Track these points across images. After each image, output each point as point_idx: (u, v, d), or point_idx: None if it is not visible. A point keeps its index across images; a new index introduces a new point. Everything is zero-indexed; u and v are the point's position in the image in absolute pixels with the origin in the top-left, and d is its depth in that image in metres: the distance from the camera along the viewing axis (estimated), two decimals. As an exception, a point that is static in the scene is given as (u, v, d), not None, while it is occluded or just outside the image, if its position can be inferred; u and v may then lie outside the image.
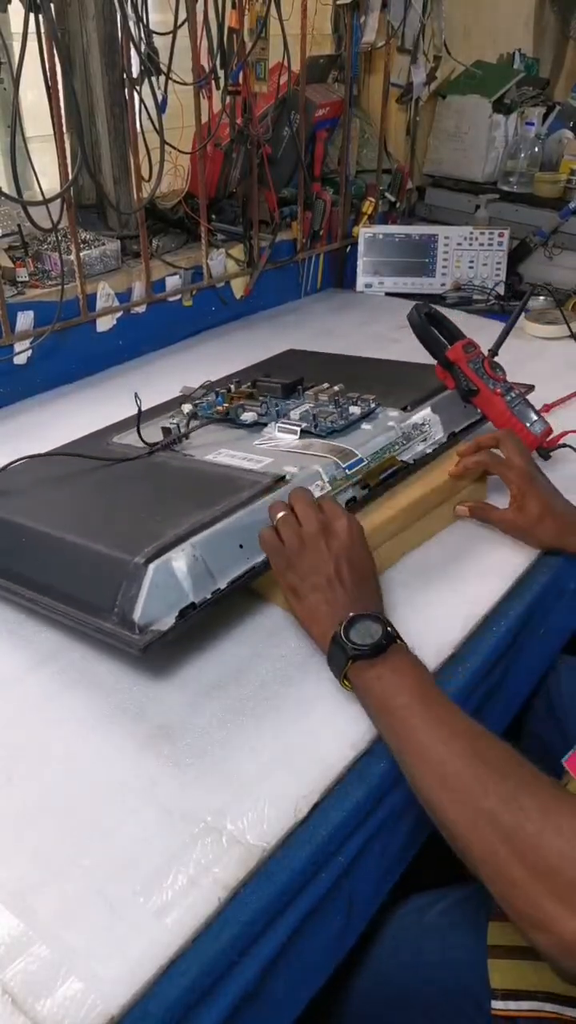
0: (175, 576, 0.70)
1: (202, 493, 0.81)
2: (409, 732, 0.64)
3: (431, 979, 0.77)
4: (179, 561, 0.71)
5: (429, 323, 0.99)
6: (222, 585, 0.73)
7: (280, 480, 0.81)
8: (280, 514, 0.78)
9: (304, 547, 0.75)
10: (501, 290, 1.77)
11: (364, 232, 1.78)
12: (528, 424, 1.00)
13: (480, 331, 1.03)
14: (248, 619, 0.82)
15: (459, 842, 0.58)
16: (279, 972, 0.59)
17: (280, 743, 0.68)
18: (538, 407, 1.04)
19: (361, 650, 0.68)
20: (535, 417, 1.01)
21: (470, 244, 1.77)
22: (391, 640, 0.69)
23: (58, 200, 1.22)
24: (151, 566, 0.69)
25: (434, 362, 1.00)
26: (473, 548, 0.93)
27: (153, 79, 1.28)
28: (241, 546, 0.75)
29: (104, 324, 1.40)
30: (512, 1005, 0.71)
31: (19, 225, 1.33)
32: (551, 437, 1.02)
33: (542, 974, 0.70)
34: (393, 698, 0.66)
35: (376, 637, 0.69)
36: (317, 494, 0.83)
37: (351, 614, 0.71)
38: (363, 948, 0.79)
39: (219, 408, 1.01)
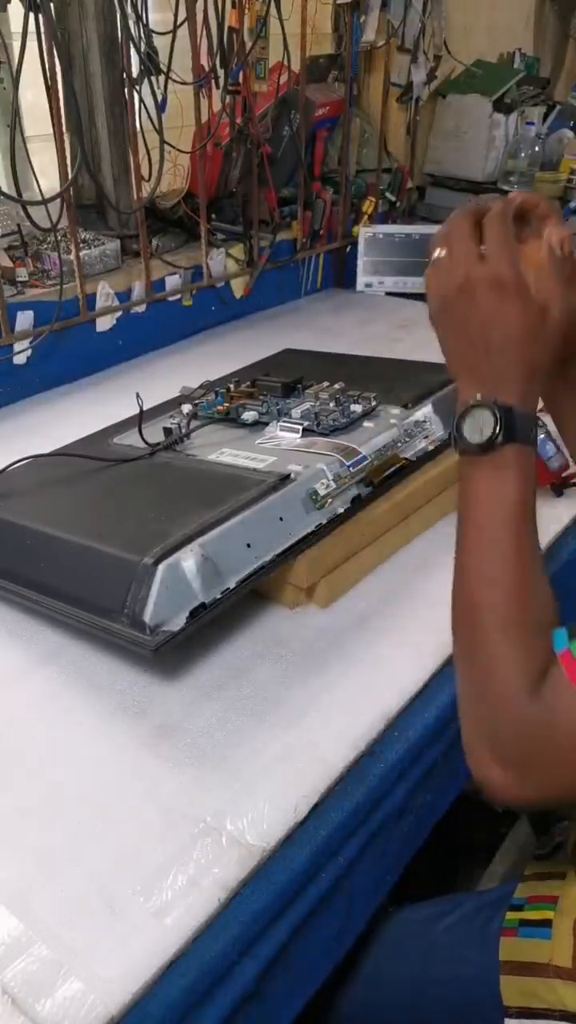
0: (184, 576, 0.70)
1: (207, 493, 0.81)
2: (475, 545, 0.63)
3: (438, 995, 0.76)
4: (188, 561, 0.71)
5: None
6: (231, 584, 0.73)
7: (285, 479, 0.82)
8: (436, 253, 0.64)
9: (448, 300, 0.63)
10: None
11: (364, 232, 1.78)
12: (546, 459, 0.99)
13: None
14: (249, 619, 0.82)
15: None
16: (279, 972, 0.59)
17: (280, 743, 0.68)
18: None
19: (467, 447, 0.62)
20: (553, 451, 0.99)
21: (470, 244, 1.76)
22: (502, 440, 0.60)
23: (58, 200, 1.22)
24: (160, 566, 0.69)
25: (433, 360, 1.00)
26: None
27: (153, 79, 1.28)
28: (249, 545, 0.75)
29: (104, 324, 1.40)
30: (527, 1023, 0.70)
31: (19, 225, 1.33)
32: (567, 473, 1.01)
33: (557, 992, 0.69)
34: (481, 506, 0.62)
35: (484, 436, 0.61)
36: (322, 492, 0.83)
37: (469, 402, 0.62)
38: (364, 954, 0.79)
39: (219, 408, 1.01)
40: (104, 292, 1.38)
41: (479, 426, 0.62)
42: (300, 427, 0.93)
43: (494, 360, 0.62)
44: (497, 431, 0.60)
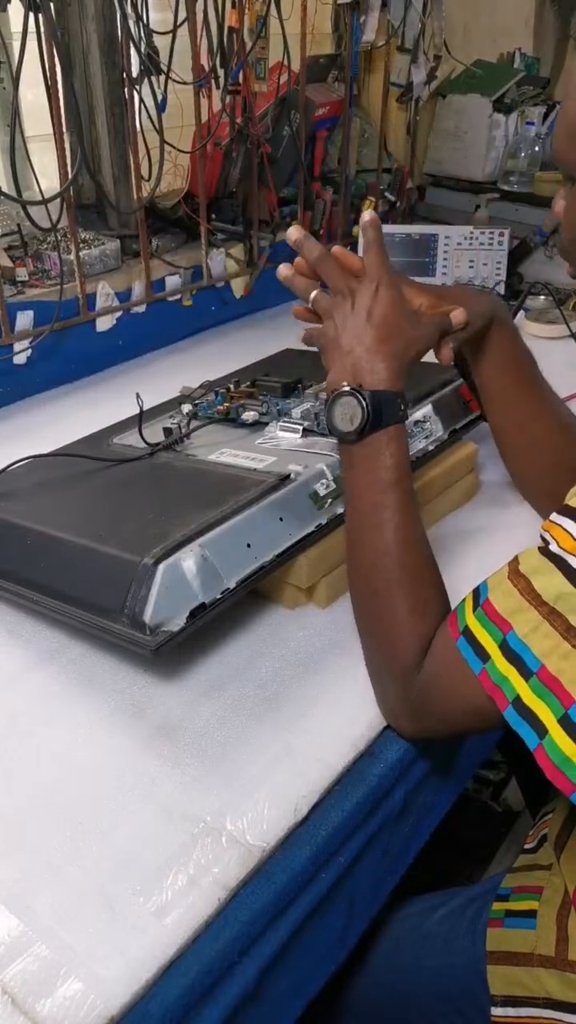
0: (184, 576, 0.70)
1: (207, 493, 0.81)
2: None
3: (431, 985, 0.76)
4: (188, 561, 0.71)
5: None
6: (231, 585, 0.73)
7: (285, 479, 0.82)
8: (313, 293, 0.78)
9: (334, 309, 0.74)
10: (501, 290, 1.77)
11: (364, 232, 1.78)
12: None
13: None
14: (248, 619, 0.82)
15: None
16: (279, 973, 0.59)
17: (280, 743, 0.68)
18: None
19: (341, 435, 0.69)
20: None
21: (470, 244, 1.76)
22: (369, 429, 0.67)
23: (58, 200, 1.22)
24: (160, 566, 0.69)
25: (433, 360, 1.00)
26: (469, 549, 0.93)
27: (153, 78, 1.28)
28: (249, 545, 0.75)
29: (104, 324, 1.40)
30: (511, 1012, 0.71)
31: (19, 225, 1.33)
32: None
33: (540, 980, 0.70)
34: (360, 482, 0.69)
35: (355, 425, 0.67)
36: (322, 492, 0.83)
37: (337, 390, 0.69)
38: (362, 950, 0.79)
39: (219, 408, 1.01)
40: (104, 292, 1.38)
41: (348, 415, 0.66)
42: (300, 427, 0.93)
43: (365, 354, 0.69)
44: (366, 421, 0.65)
